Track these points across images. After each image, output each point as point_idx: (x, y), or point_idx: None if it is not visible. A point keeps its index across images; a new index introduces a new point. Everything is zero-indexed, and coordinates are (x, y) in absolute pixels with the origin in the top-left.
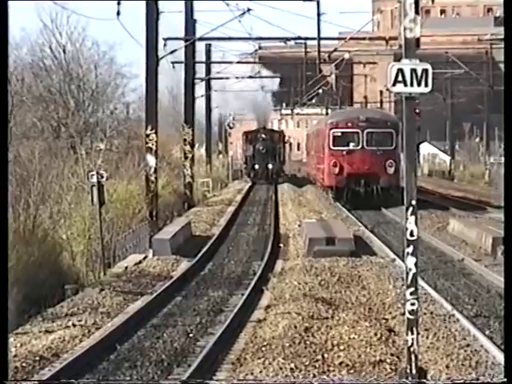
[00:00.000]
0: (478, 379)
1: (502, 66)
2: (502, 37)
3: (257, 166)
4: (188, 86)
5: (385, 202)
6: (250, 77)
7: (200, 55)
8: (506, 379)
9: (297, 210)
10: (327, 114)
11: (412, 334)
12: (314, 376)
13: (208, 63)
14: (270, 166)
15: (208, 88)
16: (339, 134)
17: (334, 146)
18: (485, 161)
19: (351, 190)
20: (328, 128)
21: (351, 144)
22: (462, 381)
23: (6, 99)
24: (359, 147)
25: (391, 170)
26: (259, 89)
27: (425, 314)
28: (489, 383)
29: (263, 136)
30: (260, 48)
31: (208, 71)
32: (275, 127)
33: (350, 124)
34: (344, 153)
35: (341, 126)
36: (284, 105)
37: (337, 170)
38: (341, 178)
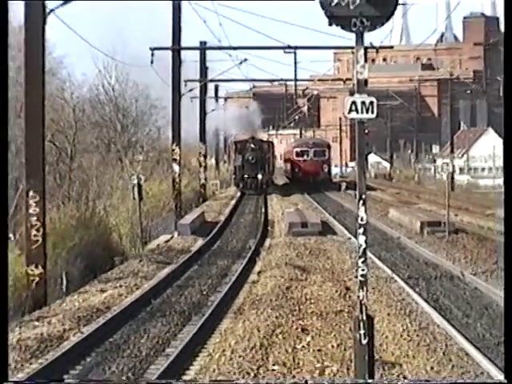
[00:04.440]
0: (476, 379)
1: (426, 99)
2: (427, 77)
3: (246, 176)
4: (202, 115)
5: (322, 187)
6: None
7: (210, 92)
8: (506, 380)
9: (280, 203)
10: (301, 134)
11: (363, 291)
12: (295, 326)
13: (216, 98)
14: (260, 177)
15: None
16: (299, 150)
17: (296, 157)
18: (414, 167)
19: (304, 181)
20: (293, 147)
21: (305, 156)
22: (461, 381)
23: (6, 100)
24: (309, 158)
25: (326, 170)
26: (253, 113)
27: (372, 276)
28: (489, 383)
29: (252, 146)
30: (254, 87)
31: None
32: None
33: (304, 145)
34: (302, 161)
35: (300, 145)
36: (270, 127)
37: (296, 170)
38: (299, 174)
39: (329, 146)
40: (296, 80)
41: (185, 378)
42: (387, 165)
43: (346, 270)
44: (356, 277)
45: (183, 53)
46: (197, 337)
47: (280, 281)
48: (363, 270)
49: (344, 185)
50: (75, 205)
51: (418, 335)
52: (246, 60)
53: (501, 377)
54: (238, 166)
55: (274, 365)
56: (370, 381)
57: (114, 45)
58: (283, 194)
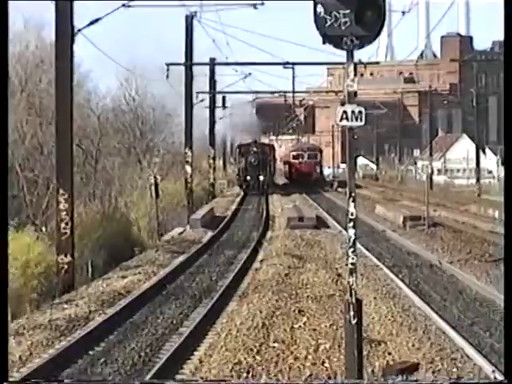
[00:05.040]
0: (475, 379)
1: (408, 108)
2: (409, 90)
3: (249, 178)
4: (211, 122)
5: (316, 186)
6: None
7: (218, 102)
8: (506, 380)
9: (280, 200)
10: (298, 139)
11: (352, 277)
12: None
13: (224, 107)
14: (261, 178)
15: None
16: (295, 153)
17: (292, 159)
18: (398, 168)
19: (300, 180)
20: (290, 151)
21: (300, 158)
22: (461, 381)
23: (6, 100)
24: (304, 160)
25: (318, 170)
26: (256, 121)
27: (360, 264)
28: (489, 383)
29: (255, 149)
30: (257, 98)
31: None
32: None
33: (300, 149)
34: (297, 162)
35: (296, 150)
36: (271, 133)
37: (293, 170)
38: (296, 174)
39: (320, 150)
40: (294, 92)
41: (196, 353)
42: (374, 166)
43: (338, 259)
44: (346, 265)
45: (194, 67)
46: (206, 317)
47: (280, 268)
48: (353, 258)
49: (336, 184)
50: (99, 201)
51: (401, 316)
52: (250, 74)
53: (500, 377)
54: (241, 168)
55: (274, 342)
56: (366, 382)
57: (134, 59)
58: (283, 193)
